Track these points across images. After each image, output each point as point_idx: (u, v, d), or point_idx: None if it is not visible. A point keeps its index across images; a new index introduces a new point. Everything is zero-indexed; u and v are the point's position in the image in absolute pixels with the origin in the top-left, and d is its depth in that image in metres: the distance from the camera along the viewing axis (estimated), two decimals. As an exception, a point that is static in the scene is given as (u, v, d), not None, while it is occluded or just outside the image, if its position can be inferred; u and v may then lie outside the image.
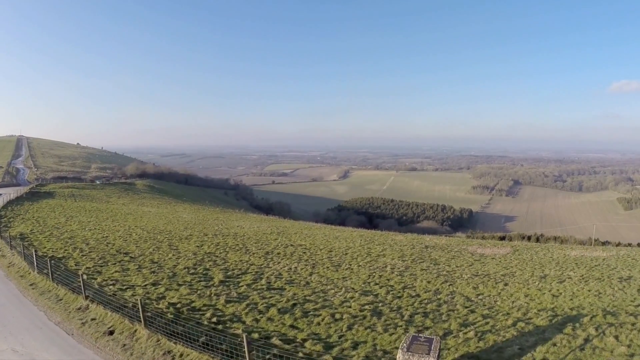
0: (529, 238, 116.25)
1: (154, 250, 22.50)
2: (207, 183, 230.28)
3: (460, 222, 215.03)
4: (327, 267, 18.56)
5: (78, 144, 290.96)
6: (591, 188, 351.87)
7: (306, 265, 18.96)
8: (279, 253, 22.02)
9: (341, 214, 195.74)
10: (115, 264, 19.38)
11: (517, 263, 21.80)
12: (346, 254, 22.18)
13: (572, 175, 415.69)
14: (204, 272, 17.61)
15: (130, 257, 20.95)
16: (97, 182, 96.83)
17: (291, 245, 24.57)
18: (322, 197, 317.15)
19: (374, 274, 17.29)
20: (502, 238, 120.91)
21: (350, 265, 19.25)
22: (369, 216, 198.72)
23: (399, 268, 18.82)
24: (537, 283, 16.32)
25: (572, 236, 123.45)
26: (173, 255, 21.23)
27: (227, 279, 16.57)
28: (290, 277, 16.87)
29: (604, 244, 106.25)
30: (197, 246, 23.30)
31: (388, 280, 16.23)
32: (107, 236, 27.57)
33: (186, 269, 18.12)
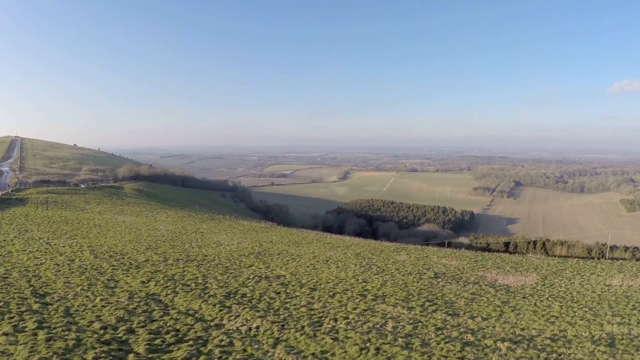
0: (534, 244, 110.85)
1: (83, 289, 17.08)
2: (205, 185, 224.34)
3: (462, 225, 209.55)
4: (302, 327, 13.10)
5: (75, 144, 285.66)
6: (593, 189, 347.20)
7: (273, 323, 13.51)
8: (244, 295, 16.48)
9: (340, 217, 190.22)
10: (13, 317, 13.94)
11: (559, 307, 16.50)
12: (334, 294, 16.68)
13: (574, 176, 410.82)
14: (121, 340, 12.20)
15: (44, 303, 15.51)
16: (82, 185, 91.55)
17: (266, 277, 19.09)
18: (321, 198, 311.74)
19: (368, 343, 11.85)
20: (507, 244, 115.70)
21: (336, 321, 13.75)
22: (368, 219, 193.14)
23: (404, 326, 13.44)
24: (609, 360, 11.05)
25: (579, 241, 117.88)
26: (102, 299, 15.84)
27: (149, 357, 11.20)
28: (244, 350, 11.44)
29: (612, 249, 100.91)
30: (143, 282, 17.91)
31: (389, 359, 10.87)
32: (42, 263, 22.24)
33: (102, 331, 12.72)
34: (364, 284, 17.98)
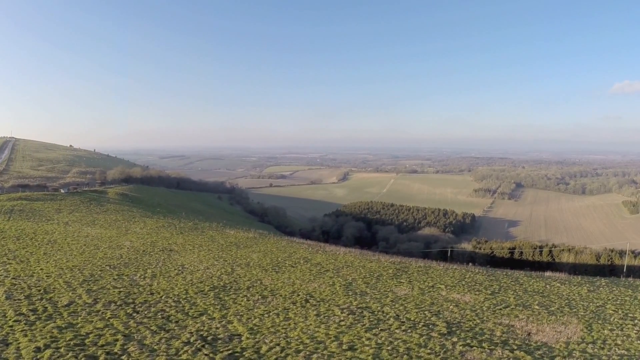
0: (540, 250, 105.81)
1: None
2: (201, 187, 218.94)
3: (463, 228, 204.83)
4: None
5: (71, 145, 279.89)
6: (594, 191, 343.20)
7: None
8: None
9: (339, 220, 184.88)
10: None
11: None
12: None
13: (575, 178, 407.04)
14: None
15: None
16: (62, 190, 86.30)
17: (212, 340, 13.37)
18: (320, 200, 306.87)
19: None
20: (512, 250, 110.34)
21: None
22: (367, 222, 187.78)
23: None
24: None
25: (586, 247, 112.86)
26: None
27: None
28: None
29: (620, 255, 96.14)
30: (38, 349, 12.32)
31: None
32: None
33: None
34: (350, 353, 12.59)
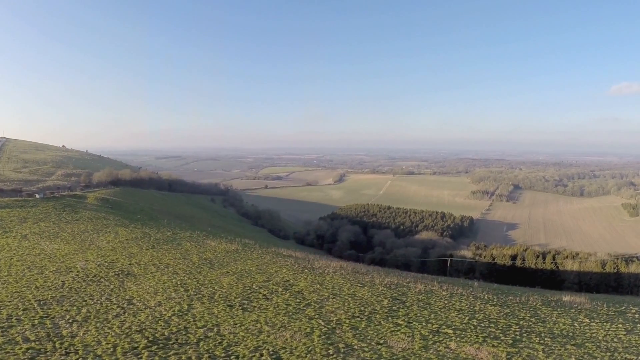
0: (543, 258, 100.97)
1: None
2: (194, 189, 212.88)
3: (461, 231, 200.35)
4: None
5: (63, 146, 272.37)
6: (593, 193, 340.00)
7: None
8: None
9: (334, 224, 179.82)
10: None
11: None
12: None
13: (573, 180, 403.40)
14: None
15: None
16: (37, 195, 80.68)
17: None
18: (316, 202, 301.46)
19: None
20: (514, 257, 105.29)
21: None
22: (363, 225, 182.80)
23: None
24: None
25: (590, 253, 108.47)
26: None
27: None
28: None
29: (627, 262, 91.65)
30: None
31: None
32: None
33: None
34: None
